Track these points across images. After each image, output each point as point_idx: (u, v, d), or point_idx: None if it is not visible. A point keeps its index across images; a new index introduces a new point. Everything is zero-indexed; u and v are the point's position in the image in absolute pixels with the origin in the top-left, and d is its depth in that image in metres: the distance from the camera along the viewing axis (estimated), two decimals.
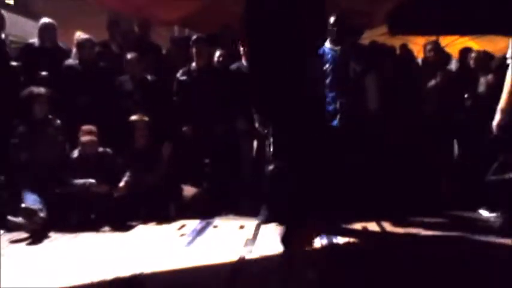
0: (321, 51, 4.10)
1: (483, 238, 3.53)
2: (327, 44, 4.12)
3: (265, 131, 3.92)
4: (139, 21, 5.04)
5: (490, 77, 4.51)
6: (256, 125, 4.02)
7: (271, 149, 3.80)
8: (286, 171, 3.73)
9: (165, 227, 3.98)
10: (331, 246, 3.45)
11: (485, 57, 4.86)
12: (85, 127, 4.09)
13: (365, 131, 4.03)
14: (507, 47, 4.90)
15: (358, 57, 4.10)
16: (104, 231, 3.85)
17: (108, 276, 2.81)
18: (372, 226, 3.91)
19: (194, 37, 4.61)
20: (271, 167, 3.78)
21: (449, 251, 3.31)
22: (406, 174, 4.19)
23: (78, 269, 2.95)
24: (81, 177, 4.00)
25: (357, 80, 4.03)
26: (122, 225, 3.93)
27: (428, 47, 4.83)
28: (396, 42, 5.12)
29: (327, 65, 4.06)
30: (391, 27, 4.74)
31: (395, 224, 3.91)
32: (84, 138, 4.06)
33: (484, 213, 4.17)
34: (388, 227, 3.89)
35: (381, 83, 4.23)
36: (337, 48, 4.08)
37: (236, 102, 4.34)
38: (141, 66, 4.60)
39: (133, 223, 4.02)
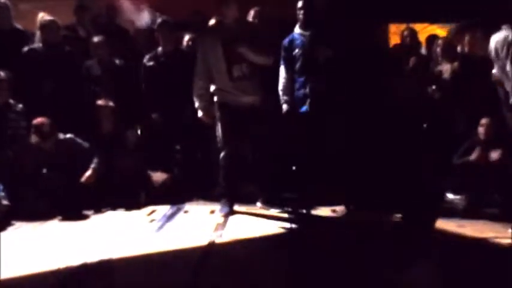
0: (290, 37, 4.12)
1: (447, 220, 3.61)
2: (296, 30, 4.11)
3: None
4: (108, 5, 4.91)
5: (455, 64, 4.58)
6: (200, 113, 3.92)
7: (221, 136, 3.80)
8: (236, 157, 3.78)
9: (134, 213, 3.93)
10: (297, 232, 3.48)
11: (451, 45, 4.95)
12: (36, 122, 3.93)
13: (334, 116, 4.02)
14: None
15: (327, 42, 4.08)
16: (71, 219, 3.77)
17: (76, 262, 2.76)
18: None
19: (159, 21, 4.49)
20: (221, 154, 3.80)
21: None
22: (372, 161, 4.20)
23: (45, 256, 2.89)
24: (39, 164, 3.89)
25: (326, 65, 4.01)
26: (89, 212, 3.87)
27: (405, 33, 5.16)
28: None
29: (296, 50, 4.05)
30: None
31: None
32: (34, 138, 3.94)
33: (450, 195, 4.28)
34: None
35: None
36: (306, 33, 4.07)
37: None
38: (108, 50, 4.49)
39: (102, 210, 3.96)
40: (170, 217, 3.79)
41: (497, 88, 4.31)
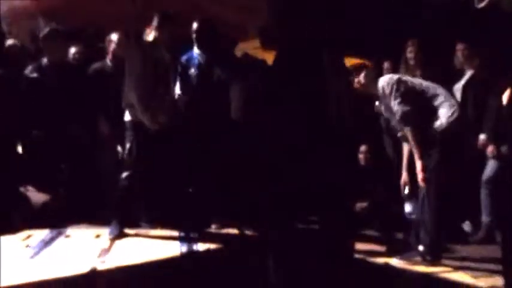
0: (189, 54, 4.10)
1: None
2: (196, 49, 4.10)
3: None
4: None
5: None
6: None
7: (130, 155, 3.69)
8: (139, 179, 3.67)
9: (7, 238, 3.55)
10: (191, 253, 3.40)
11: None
12: None
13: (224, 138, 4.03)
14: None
15: (225, 66, 4.12)
16: None
17: None
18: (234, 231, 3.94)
19: (46, 30, 4.21)
20: (125, 174, 3.68)
21: None
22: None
23: None
24: None
25: (220, 88, 4.04)
26: None
27: None
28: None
29: (192, 70, 4.03)
30: (262, 42, 4.95)
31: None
32: None
33: None
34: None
35: (245, 93, 4.30)
36: (205, 54, 4.07)
37: (97, 103, 4.09)
38: None
39: None
40: (48, 242, 3.50)
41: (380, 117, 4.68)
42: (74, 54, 4.38)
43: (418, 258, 3.33)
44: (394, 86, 3.39)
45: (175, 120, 3.91)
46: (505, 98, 3.62)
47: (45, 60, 4.17)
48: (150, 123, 3.70)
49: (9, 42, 4.49)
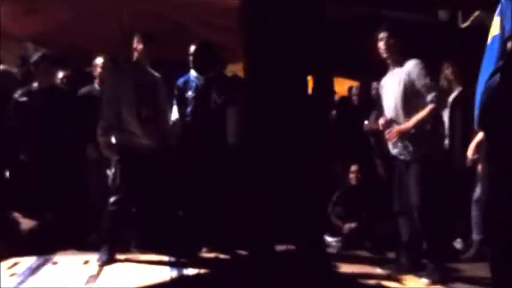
0: (186, 77, 4.09)
1: None
2: (192, 72, 4.09)
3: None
4: None
5: (333, 114, 4.88)
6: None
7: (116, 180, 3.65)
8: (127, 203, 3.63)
9: None
10: (181, 278, 3.35)
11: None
12: None
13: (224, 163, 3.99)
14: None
15: (220, 88, 4.11)
16: None
17: None
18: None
19: (38, 55, 4.22)
20: (113, 199, 3.63)
21: None
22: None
23: None
24: None
25: (217, 111, 4.02)
26: None
27: None
28: None
29: (190, 93, 4.02)
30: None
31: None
32: None
33: (328, 238, 4.43)
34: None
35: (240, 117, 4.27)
36: (202, 77, 4.06)
37: (85, 127, 4.07)
38: None
39: None
40: (35, 270, 3.42)
41: (369, 137, 4.70)
42: (62, 78, 4.39)
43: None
44: (423, 69, 3.33)
45: (168, 142, 3.88)
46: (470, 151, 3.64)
47: (34, 84, 4.17)
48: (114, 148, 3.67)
49: None
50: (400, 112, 3.38)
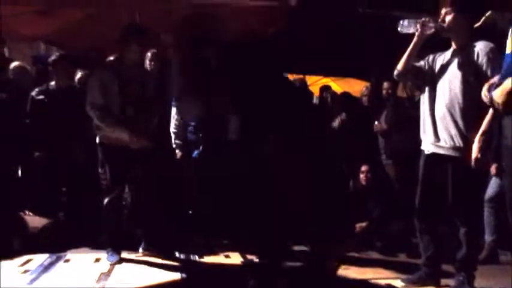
0: None
1: None
2: None
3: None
4: None
5: (343, 115, 4.87)
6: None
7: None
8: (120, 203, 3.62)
9: (6, 263, 3.51)
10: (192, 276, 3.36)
11: (340, 97, 5.38)
12: None
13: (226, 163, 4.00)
14: (361, 89, 5.49)
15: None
16: None
17: None
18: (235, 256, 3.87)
19: (55, 55, 4.31)
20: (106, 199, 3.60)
21: None
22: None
23: None
24: None
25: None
26: None
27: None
28: None
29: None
30: None
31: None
32: None
33: None
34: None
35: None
36: None
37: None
38: None
39: None
40: (47, 267, 3.45)
41: (378, 137, 4.68)
42: (80, 78, 4.45)
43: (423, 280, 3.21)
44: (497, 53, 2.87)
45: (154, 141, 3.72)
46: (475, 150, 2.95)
47: (52, 83, 4.23)
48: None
49: (15, 64, 4.55)
50: (459, 96, 2.99)
